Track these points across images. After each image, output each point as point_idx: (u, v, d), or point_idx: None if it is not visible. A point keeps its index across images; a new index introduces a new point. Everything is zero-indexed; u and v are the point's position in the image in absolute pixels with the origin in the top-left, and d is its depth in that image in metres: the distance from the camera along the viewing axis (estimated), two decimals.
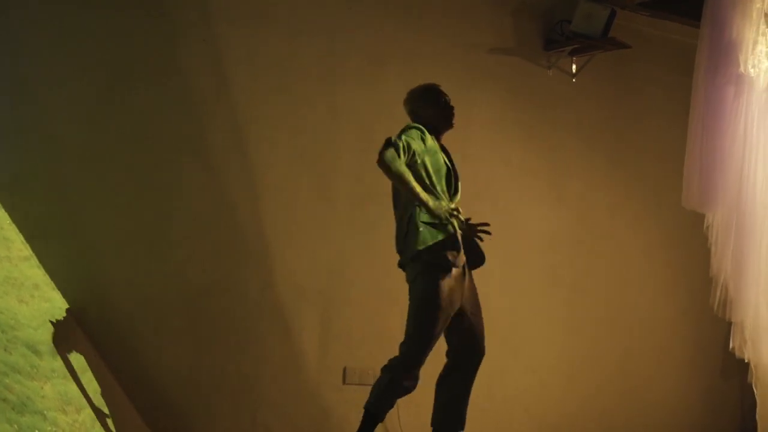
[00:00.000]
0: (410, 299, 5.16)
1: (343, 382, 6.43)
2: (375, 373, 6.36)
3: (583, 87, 7.38)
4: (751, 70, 5.73)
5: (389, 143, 5.02)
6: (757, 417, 5.83)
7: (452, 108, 5.34)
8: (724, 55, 5.68)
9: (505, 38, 7.15)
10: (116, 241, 5.83)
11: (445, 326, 5.11)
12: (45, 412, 4.27)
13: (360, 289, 6.46)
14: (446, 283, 5.05)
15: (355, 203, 6.48)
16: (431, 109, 5.32)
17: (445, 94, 5.36)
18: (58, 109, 5.72)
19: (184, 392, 5.98)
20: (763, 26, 5.73)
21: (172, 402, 5.94)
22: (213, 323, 6.06)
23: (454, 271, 5.08)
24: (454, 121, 5.35)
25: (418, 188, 5.01)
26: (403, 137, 5.04)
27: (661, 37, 7.59)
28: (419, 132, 5.13)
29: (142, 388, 5.77)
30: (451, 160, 5.30)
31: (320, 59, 6.44)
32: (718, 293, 5.67)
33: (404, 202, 5.17)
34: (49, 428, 4.20)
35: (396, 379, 5.09)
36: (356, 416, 6.28)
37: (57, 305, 5.36)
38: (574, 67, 7.32)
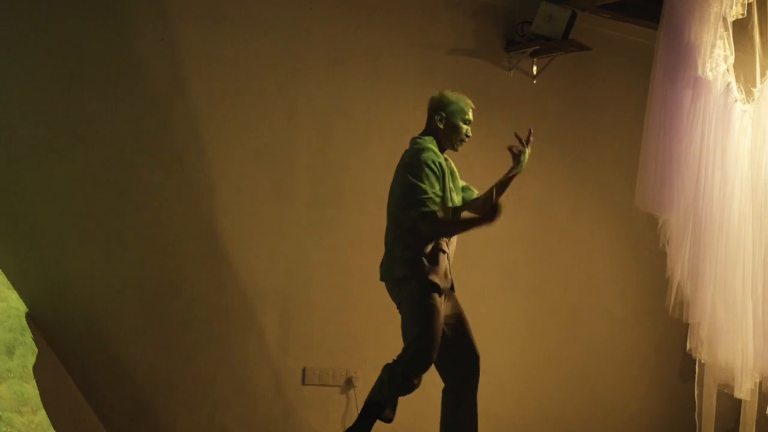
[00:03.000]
0: (404, 306, 5.16)
1: (303, 382, 6.41)
2: (334, 373, 6.39)
3: (544, 88, 7.40)
4: (709, 74, 5.76)
5: (421, 216, 5.00)
6: (696, 418, 5.86)
7: (466, 138, 5.32)
8: (682, 58, 5.71)
9: (466, 39, 7.16)
10: (73, 240, 5.78)
11: (440, 329, 5.13)
12: (0, 412, 4.24)
13: (319, 289, 6.45)
14: (434, 288, 5.11)
15: (314, 203, 6.47)
16: (444, 128, 5.28)
17: (469, 118, 5.32)
18: (13, 108, 5.66)
19: (142, 393, 5.94)
20: (720, 30, 5.76)
21: (130, 403, 5.90)
22: (170, 323, 6.03)
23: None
24: (458, 147, 5.34)
25: (465, 224, 5.23)
26: (428, 192, 5.01)
27: (621, 39, 7.63)
28: (431, 157, 5.11)
29: (100, 388, 5.73)
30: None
31: (279, 58, 6.42)
32: (673, 294, 5.70)
33: (394, 215, 5.18)
34: (5, 429, 4.17)
35: (408, 377, 5.09)
36: (316, 417, 6.30)
37: (13, 305, 5.32)
38: (534, 68, 7.35)
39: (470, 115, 5.33)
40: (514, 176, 5.41)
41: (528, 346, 7.27)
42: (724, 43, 5.77)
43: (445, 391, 5.30)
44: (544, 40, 7.05)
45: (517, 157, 5.41)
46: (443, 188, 5.11)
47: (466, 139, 5.33)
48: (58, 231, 5.76)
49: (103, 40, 5.90)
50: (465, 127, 5.29)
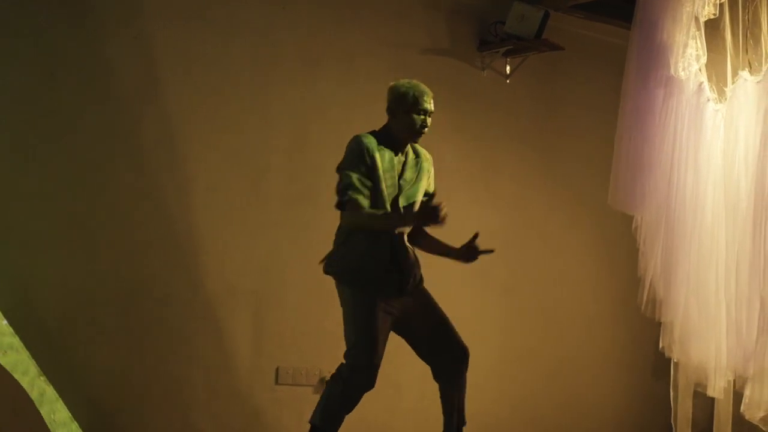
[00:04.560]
0: (342, 304, 5.02)
1: (276, 382, 6.40)
2: (308, 373, 6.38)
3: (517, 88, 7.41)
4: (682, 73, 5.78)
5: (343, 204, 4.88)
6: (672, 421, 5.88)
7: (422, 130, 5.01)
8: (654, 57, 5.74)
9: (439, 39, 7.17)
10: (45, 241, 5.75)
11: (386, 328, 4.95)
12: None
13: (293, 289, 6.44)
14: (372, 285, 4.94)
15: (288, 203, 6.46)
16: (399, 120, 5.02)
17: (424, 108, 4.99)
18: None
19: (115, 393, 5.91)
20: (693, 29, 5.79)
21: (103, 403, 5.88)
22: (143, 323, 6.01)
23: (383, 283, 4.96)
24: (417, 139, 5.07)
25: (375, 220, 4.90)
26: (350, 179, 4.85)
27: (594, 39, 7.65)
28: (359, 147, 4.92)
29: (72, 389, 5.67)
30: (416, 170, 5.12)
31: (253, 59, 6.41)
32: (645, 293, 5.72)
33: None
34: None
35: (347, 393, 4.89)
36: (289, 417, 6.29)
37: None
38: (508, 68, 7.36)
39: (426, 104, 4.98)
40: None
41: (503, 346, 7.27)
42: (696, 43, 5.80)
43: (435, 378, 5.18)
44: (517, 39, 7.07)
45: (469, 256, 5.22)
46: (375, 180, 4.89)
47: (425, 130, 5.03)
48: (30, 231, 5.72)
49: (75, 40, 5.87)
50: (420, 117, 4.98)
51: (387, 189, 4.95)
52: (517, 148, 7.45)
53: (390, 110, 5.06)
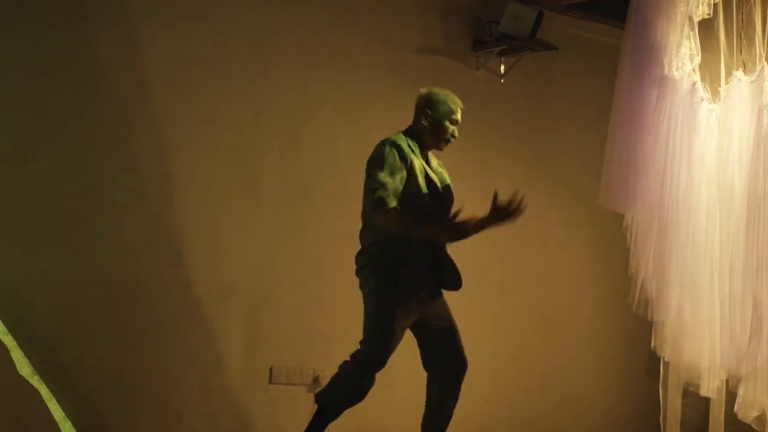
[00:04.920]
0: (364, 300, 5.04)
1: (270, 381, 6.40)
2: (302, 372, 6.37)
3: (511, 87, 7.41)
4: (675, 73, 5.79)
5: (376, 203, 4.85)
6: (661, 420, 5.89)
7: (451, 139, 5.13)
8: (648, 56, 5.74)
9: (434, 38, 7.17)
10: (38, 240, 5.74)
11: (405, 324, 5.01)
12: None
13: (287, 288, 6.43)
14: (400, 280, 4.96)
15: (282, 203, 6.46)
16: (429, 126, 5.10)
17: (456, 119, 5.13)
18: None
19: (108, 393, 5.90)
20: (687, 29, 5.79)
21: (96, 403, 5.86)
22: (137, 323, 6.00)
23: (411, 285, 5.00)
24: (443, 147, 5.17)
25: (425, 227, 4.94)
26: (382, 185, 4.83)
27: (588, 39, 7.66)
28: (395, 150, 4.92)
29: (65, 389, 5.67)
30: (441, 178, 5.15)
31: (247, 58, 6.40)
32: (637, 292, 5.72)
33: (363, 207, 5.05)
34: None
35: (359, 379, 4.98)
36: (282, 416, 6.28)
37: None
38: (502, 67, 7.36)
39: (458, 115, 5.15)
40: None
41: (498, 346, 7.27)
42: (690, 43, 5.80)
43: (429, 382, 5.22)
44: (511, 39, 7.07)
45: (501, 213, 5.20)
46: (408, 182, 4.93)
47: (452, 140, 5.17)
48: (23, 230, 5.71)
49: (69, 39, 5.86)
50: (452, 127, 5.12)
51: (422, 188, 4.99)
52: (511, 147, 7.45)
53: (424, 115, 5.11)
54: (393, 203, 4.85)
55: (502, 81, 7.36)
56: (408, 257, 4.97)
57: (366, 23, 6.85)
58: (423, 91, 5.20)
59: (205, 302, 6.20)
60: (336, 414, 5.05)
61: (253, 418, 6.34)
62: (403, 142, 5.00)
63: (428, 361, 5.18)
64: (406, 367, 6.41)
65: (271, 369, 6.41)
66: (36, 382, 5.11)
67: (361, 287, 5.07)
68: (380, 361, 4.97)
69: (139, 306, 6.01)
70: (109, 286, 5.93)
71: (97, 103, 5.93)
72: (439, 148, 5.18)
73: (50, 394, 5.14)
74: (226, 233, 6.29)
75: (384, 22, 6.93)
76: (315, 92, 6.62)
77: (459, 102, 5.19)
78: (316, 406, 5.04)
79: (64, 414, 5.15)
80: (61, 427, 5.12)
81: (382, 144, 5.00)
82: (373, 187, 4.88)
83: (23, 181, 5.72)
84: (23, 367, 5.07)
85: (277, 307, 6.43)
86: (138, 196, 6.04)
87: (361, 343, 5.01)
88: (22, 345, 5.51)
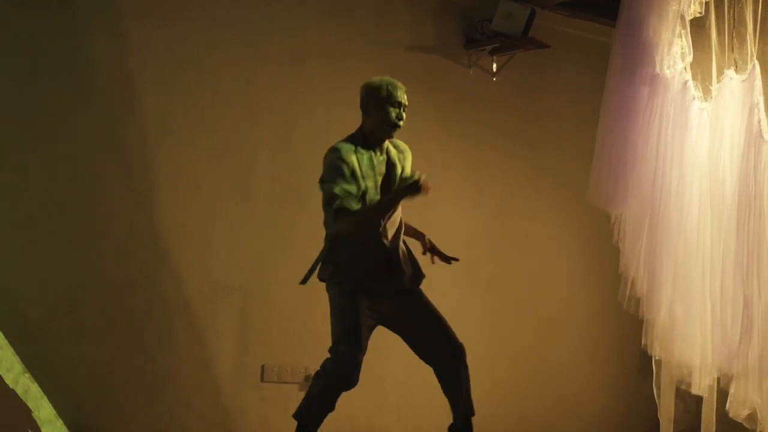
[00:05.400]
0: (330, 302, 5.04)
1: (261, 379, 6.40)
2: (293, 370, 6.37)
3: (504, 86, 7.42)
4: (667, 71, 5.78)
5: (336, 214, 4.86)
6: (659, 416, 5.89)
7: (398, 122, 4.99)
8: (639, 55, 5.73)
9: (426, 37, 7.17)
10: (29, 238, 5.74)
11: (371, 323, 4.97)
12: None
13: (278, 286, 6.43)
14: (359, 283, 4.96)
15: (273, 201, 6.46)
16: (373, 117, 5.02)
17: (398, 100, 4.98)
18: None
19: (99, 391, 5.91)
20: (679, 27, 5.79)
21: (88, 401, 5.87)
22: (129, 321, 6.00)
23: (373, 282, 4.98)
24: (393, 133, 5.04)
25: (369, 212, 4.90)
26: (334, 188, 4.85)
27: (580, 37, 7.66)
28: (337, 156, 4.90)
29: (57, 387, 5.66)
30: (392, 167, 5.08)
31: (238, 56, 6.41)
32: (628, 290, 5.72)
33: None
34: None
35: (330, 387, 4.93)
36: (274, 414, 6.28)
37: None
38: (494, 65, 7.37)
39: (399, 97, 4.98)
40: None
41: (489, 344, 7.27)
42: (681, 41, 5.80)
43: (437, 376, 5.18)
44: (503, 37, 7.08)
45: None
46: (357, 184, 4.89)
47: (400, 123, 5.01)
48: (15, 228, 5.71)
49: (60, 36, 5.86)
50: (394, 110, 4.97)
51: (369, 191, 4.95)
52: (503, 145, 7.45)
53: (363, 107, 5.07)
54: (352, 205, 4.85)
55: (495, 79, 7.37)
56: (360, 263, 4.95)
57: (358, 22, 6.86)
58: (363, 84, 5.10)
59: (197, 301, 6.20)
60: (317, 426, 4.99)
61: (245, 417, 6.34)
62: (344, 146, 4.96)
63: (426, 358, 5.14)
64: (397, 366, 6.45)
65: (262, 367, 6.41)
66: (27, 380, 5.10)
67: (329, 296, 5.07)
68: (351, 366, 4.89)
69: (130, 304, 6.01)
70: (100, 284, 5.93)
71: (89, 102, 5.93)
72: (389, 135, 5.05)
73: (41, 392, 5.13)
74: (218, 232, 6.29)
75: (376, 20, 6.94)
76: (307, 91, 6.62)
77: (399, 85, 5.02)
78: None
79: (54, 412, 5.14)
80: (51, 426, 5.10)
81: (325, 157, 4.99)
82: (327, 202, 4.92)
83: (14, 179, 5.72)
84: (14, 365, 5.06)
85: (269, 306, 6.43)
86: (130, 194, 6.04)
87: (330, 350, 4.97)
88: (12, 343, 5.49)
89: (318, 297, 6.19)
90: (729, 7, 5.78)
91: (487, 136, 7.39)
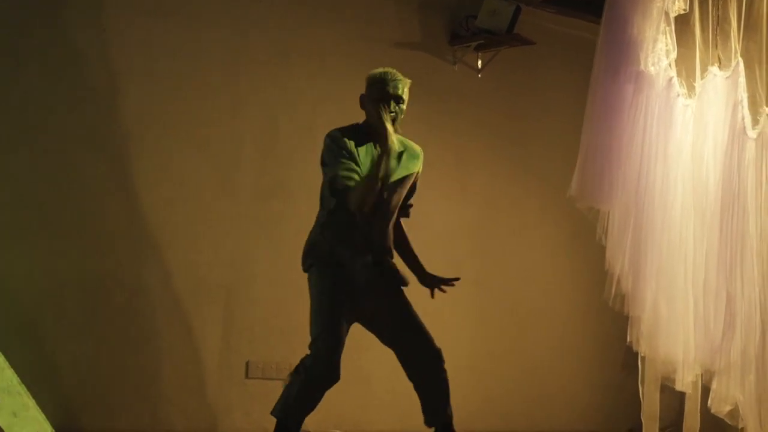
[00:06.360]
0: (310, 296, 4.97)
1: (246, 376, 6.40)
2: (278, 367, 6.36)
3: (489, 82, 7.43)
4: (651, 68, 5.79)
5: (341, 192, 4.80)
6: (642, 417, 5.90)
7: (383, 120, 4.80)
8: (624, 52, 5.73)
9: (411, 33, 7.18)
10: (12, 232, 5.72)
11: (349, 318, 4.91)
12: None
13: (263, 282, 6.43)
14: (338, 274, 4.88)
15: (258, 197, 6.46)
16: (371, 113, 4.90)
17: (390, 93, 4.84)
18: None
19: (83, 387, 5.90)
20: (663, 24, 5.79)
21: (71, 397, 5.86)
22: (112, 317, 5.99)
23: (352, 268, 4.90)
24: (395, 126, 4.88)
25: (370, 178, 4.76)
26: (335, 169, 4.78)
27: (565, 34, 7.68)
28: (337, 140, 4.83)
29: (40, 383, 5.64)
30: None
31: (223, 51, 6.40)
32: (613, 287, 5.73)
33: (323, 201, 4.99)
34: None
35: (310, 383, 4.82)
36: (259, 410, 6.26)
37: None
38: (479, 62, 7.38)
39: (397, 90, 4.86)
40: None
41: (474, 341, 7.28)
42: (666, 38, 5.81)
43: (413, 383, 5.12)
44: (488, 34, 7.10)
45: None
46: (358, 164, 4.80)
47: (397, 114, 4.88)
48: None
49: (44, 30, 5.84)
50: (385, 105, 4.83)
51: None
52: (488, 142, 7.47)
53: (363, 106, 4.99)
54: (352, 183, 4.78)
55: (480, 76, 7.38)
56: (345, 253, 4.90)
57: (343, 18, 6.86)
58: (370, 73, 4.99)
59: (182, 297, 6.20)
60: (299, 424, 4.89)
61: (230, 413, 6.34)
62: (337, 132, 4.90)
63: (398, 358, 5.08)
64: (383, 362, 6.41)
65: (247, 363, 6.41)
66: (10, 375, 5.08)
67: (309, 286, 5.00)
68: (329, 362, 4.79)
69: (114, 300, 6.00)
70: (84, 280, 5.92)
71: (73, 98, 5.91)
72: (380, 131, 4.86)
73: (24, 388, 5.12)
74: (202, 227, 6.29)
75: (361, 16, 6.94)
76: (292, 86, 6.62)
77: (398, 76, 4.90)
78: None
79: (38, 407, 5.13)
80: (37, 423, 5.09)
81: (324, 143, 4.93)
82: (329, 183, 4.86)
83: None
84: None
85: (254, 302, 6.43)
86: (114, 190, 6.03)
87: (309, 346, 4.88)
88: None
89: (302, 293, 6.18)
90: (713, 4, 5.80)
91: (472, 132, 7.40)
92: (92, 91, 5.98)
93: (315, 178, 6.53)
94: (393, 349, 5.09)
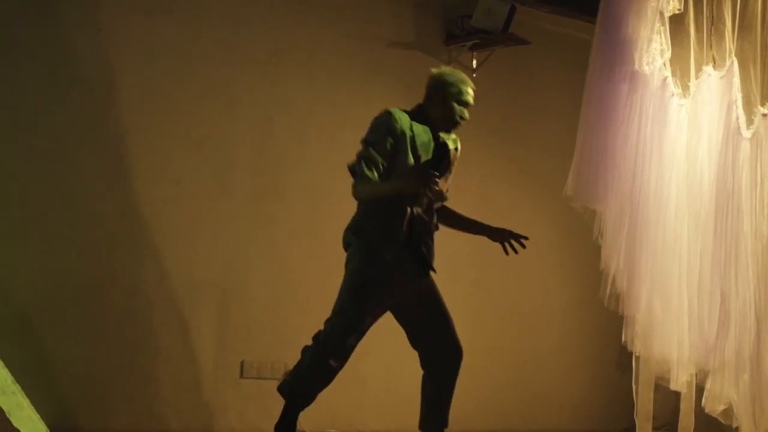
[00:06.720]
0: (345, 275, 4.93)
1: (241, 375, 6.40)
2: (273, 366, 6.36)
3: (484, 81, 7.38)
4: (646, 68, 5.80)
5: (352, 172, 4.81)
6: (635, 417, 5.90)
7: (461, 121, 5.02)
8: (619, 52, 5.74)
9: (406, 32, 7.17)
10: (8, 233, 5.71)
11: (375, 314, 4.91)
12: None
13: (258, 282, 6.43)
14: (381, 266, 4.86)
15: (253, 197, 6.45)
16: (438, 107, 5.01)
17: (466, 100, 5.01)
18: None
19: (79, 387, 5.89)
20: (657, 24, 5.80)
21: (67, 397, 5.86)
22: (108, 317, 5.98)
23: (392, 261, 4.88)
24: (452, 129, 5.06)
25: (392, 184, 4.80)
26: (368, 152, 4.78)
27: (560, 33, 7.68)
28: (389, 121, 4.84)
29: (37, 383, 5.64)
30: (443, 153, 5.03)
31: (218, 51, 6.40)
32: (608, 287, 5.73)
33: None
34: None
35: (321, 357, 4.81)
36: (254, 409, 6.27)
37: None
38: (474, 62, 7.38)
39: (467, 97, 5.02)
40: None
41: (470, 340, 7.22)
42: (660, 38, 5.81)
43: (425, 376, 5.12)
44: (483, 33, 7.10)
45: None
46: (404, 153, 4.83)
47: (462, 122, 5.05)
48: None
49: (39, 30, 5.83)
50: (459, 108, 5.00)
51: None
52: (483, 141, 7.45)
53: (430, 96, 5.04)
54: (370, 174, 4.78)
55: (475, 75, 7.36)
56: (391, 241, 4.88)
57: (338, 17, 6.85)
58: (434, 71, 5.10)
59: (177, 296, 6.19)
60: (306, 398, 4.89)
61: (225, 413, 6.34)
62: (400, 114, 4.91)
63: (418, 346, 5.07)
64: (377, 362, 6.45)
65: (242, 363, 6.41)
66: (5, 374, 5.08)
67: (345, 264, 4.96)
68: (342, 340, 4.81)
69: (110, 300, 5.99)
70: (80, 280, 5.91)
71: (69, 97, 5.91)
72: (448, 130, 5.07)
73: (19, 388, 5.11)
74: (197, 227, 6.28)
75: (356, 16, 6.94)
76: (287, 86, 6.62)
77: (470, 83, 5.08)
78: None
79: (33, 407, 5.12)
80: (32, 423, 5.08)
81: (381, 112, 4.91)
82: (357, 161, 4.85)
83: None
84: None
85: (249, 302, 6.43)
86: (110, 190, 6.03)
87: (326, 321, 4.87)
88: None
89: (298, 293, 6.22)
90: (707, 4, 5.81)
91: (467, 132, 7.33)
92: (88, 91, 5.97)
93: (308, 178, 6.57)
94: (417, 346, 5.06)
